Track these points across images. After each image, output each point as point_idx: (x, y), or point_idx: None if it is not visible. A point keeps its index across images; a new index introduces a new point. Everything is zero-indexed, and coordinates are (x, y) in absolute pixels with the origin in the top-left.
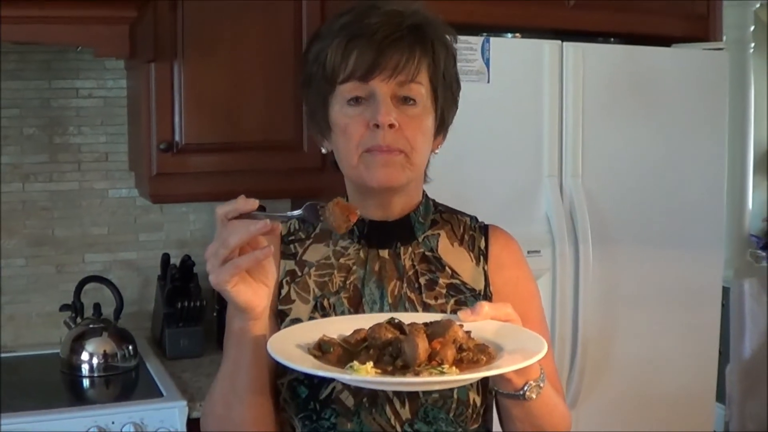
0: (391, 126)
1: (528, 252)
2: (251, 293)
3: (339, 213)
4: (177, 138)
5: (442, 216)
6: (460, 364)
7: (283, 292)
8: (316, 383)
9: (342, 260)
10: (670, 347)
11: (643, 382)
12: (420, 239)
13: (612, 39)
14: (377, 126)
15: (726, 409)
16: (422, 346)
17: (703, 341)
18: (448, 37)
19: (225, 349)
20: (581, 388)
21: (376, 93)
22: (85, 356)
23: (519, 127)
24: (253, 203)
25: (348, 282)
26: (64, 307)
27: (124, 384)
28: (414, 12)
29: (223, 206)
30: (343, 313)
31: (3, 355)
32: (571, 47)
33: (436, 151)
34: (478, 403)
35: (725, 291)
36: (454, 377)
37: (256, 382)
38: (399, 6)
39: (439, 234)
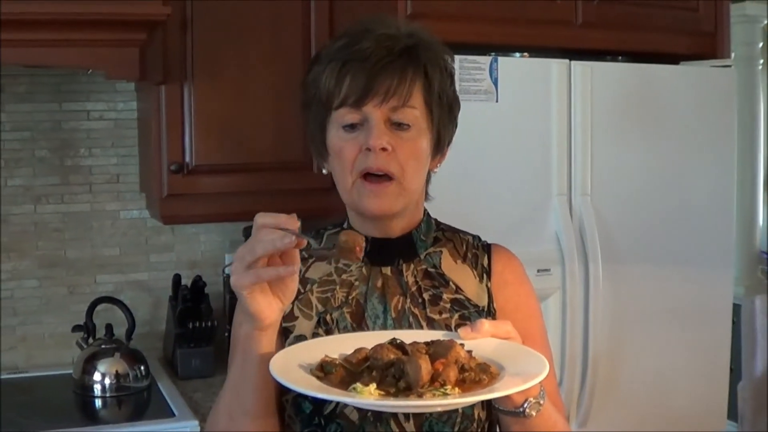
0: (383, 149)
1: (538, 270)
2: (265, 304)
3: (351, 244)
4: (187, 159)
5: (445, 234)
6: (462, 384)
7: (287, 309)
8: (320, 399)
9: (344, 276)
10: (681, 365)
11: (654, 400)
12: (422, 256)
13: (620, 57)
14: (369, 150)
15: (738, 427)
16: (425, 367)
17: (714, 359)
18: (444, 56)
19: (230, 360)
20: (592, 406)
21: (369, 118)
22: (97, 376)
23: (528, 146)
24: (294, 223)
25: (350, 297)
26: (76, 328)
27: (136, 404)
28: (409, 34)
29: (265, 216)
30: (346, 328)
31: (16, 375)
32: (579, 66)
33: (435, 170)
34: (483, 418)
35: (736, 308)
36: (457, 399)
37: (261, 396)
38: (393, 29)
39: (441, 251)
